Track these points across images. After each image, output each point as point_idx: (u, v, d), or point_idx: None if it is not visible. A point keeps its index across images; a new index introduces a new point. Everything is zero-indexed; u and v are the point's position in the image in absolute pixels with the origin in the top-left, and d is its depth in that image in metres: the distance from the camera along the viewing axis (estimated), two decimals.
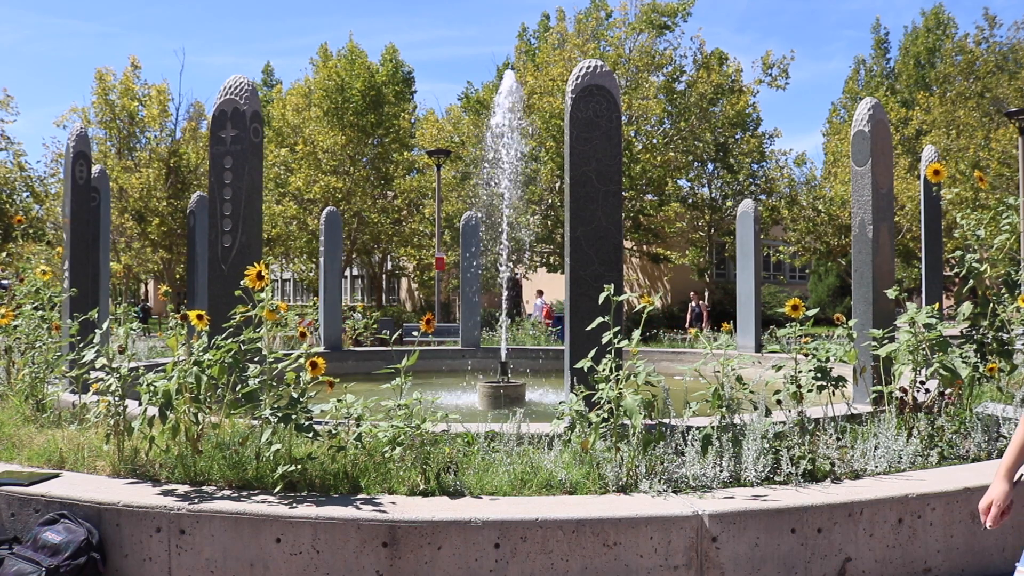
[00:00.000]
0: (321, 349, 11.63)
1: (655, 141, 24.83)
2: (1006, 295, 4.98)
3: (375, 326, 16.11)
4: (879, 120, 5.91)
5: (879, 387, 4.64)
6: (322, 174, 26.37)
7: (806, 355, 4.41)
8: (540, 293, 23.63)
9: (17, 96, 50.23)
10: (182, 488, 3.59)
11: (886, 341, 4.69)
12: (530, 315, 21.05)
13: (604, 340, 4.03)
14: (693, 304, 21.39)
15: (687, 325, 20.48)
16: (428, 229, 28.14)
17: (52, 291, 6.01)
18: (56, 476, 3.81)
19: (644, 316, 4.06)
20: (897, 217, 23.71)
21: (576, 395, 4.14)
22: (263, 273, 3.81)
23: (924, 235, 9.44)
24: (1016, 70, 26.47)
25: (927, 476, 3.78)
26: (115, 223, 25.12)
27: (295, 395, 3.73)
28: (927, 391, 4.46)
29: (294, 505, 3.31)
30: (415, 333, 15.31)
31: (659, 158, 24.27)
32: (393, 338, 6.23)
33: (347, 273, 35.35)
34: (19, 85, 76.65)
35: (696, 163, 26.57)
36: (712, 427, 3.87)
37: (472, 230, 13.23)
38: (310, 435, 3.68)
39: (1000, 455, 4.18)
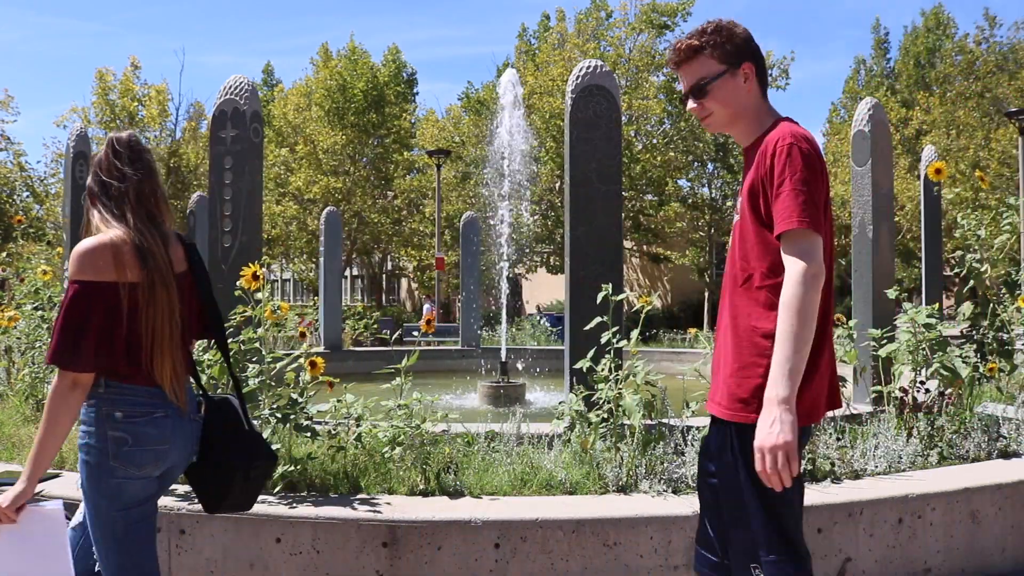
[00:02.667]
0: (321, 349, 11.63)
1: (655, 141, 24.83)
2: (1006, 295, 4.98)
3: (375, 326, 16.10)
4: (879, 120, 5.91)
5: (879, 387, 4.64)
6: (322, 174, 26.37)
7: None
8: (428, 297, 23.60)
9: (17, 96, 50.19)
10: (182, 488, 3.58)
11: (886, 341, 4.69)
12: (532, 315, 21.01)
13: (603, 340, 4.03)
14: None
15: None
16: (428, 229, 28.13)
17: (52, 291, 6.01)
18: (56, 476, 3.80)
19: (643, 316, 4.06)
20: (897, 217, 23.71)
21: (576, 395, 4.14)
22: (259, 274, 3.81)
23: (924, 235, 9.44)
24: (1016, 70, 26.46)
25: (927, 476, 3.78)
26: None
27: (294, 395, 3.73)
28: (927, 391, 4.46)
29: (294, 505, 3.31)
30: (415, 333, 15.28)
31: (659, 158, 24.27)
32: (393, 338, 6.24)
33: (347, 273, 35.35)
34: (18, 85, 76.71)
35: (696, 163, 26.55)
36: None
37: (472, 230, 13.22)
38: (310, 435, 3.68)
39: (1001, 455, 4.18)
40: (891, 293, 5.32)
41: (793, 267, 1.84)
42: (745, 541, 1.96)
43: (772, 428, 1.78)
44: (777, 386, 1.80)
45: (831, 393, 2.06)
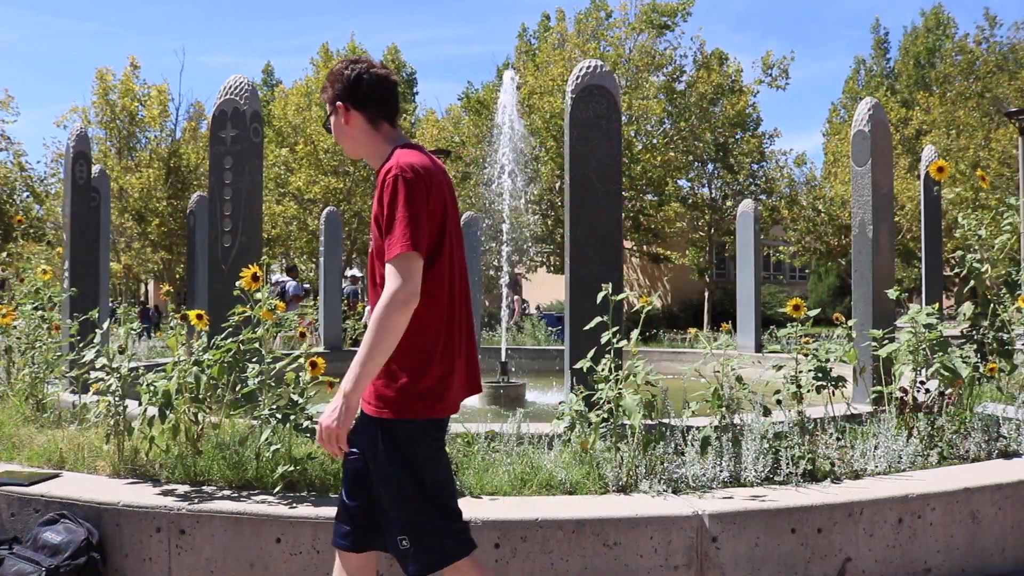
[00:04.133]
0: (321, 349, 11.63)
1: (655, 141, 24.82)
2: (1006, 295, 4.98)
3: None
4: (879, 120, 5.91)
5: (879, 387, 4.63)
6: (322, 174, 26.36)
7: (806, 355, 4.41)
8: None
9: (17, 96, 50.14)
10: (182, 488, 3.59)
11: (886, 341, 4.69)
12: (532, 314, 20.91)
13: (603, 340, 4.03)
14: (509, 301, 19.57)
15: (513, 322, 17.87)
16: None
17: (52, 291, 6.01)
18: (56, 476, 3.81)
19: (643, 316, 4.06)
20: (897, 217, 23.71)
21: (576, 395, 4.14)
22: (259, 275, 3.81)
23: (924, 235, 9.44)
24: (1016, 70, 26.46)
25: (927, 476, 3.78)
26: (115, 223, 25.10)
27: (294, 395, 3.73)
28: (927, 391, 4.45)
29: (294, 505, 3.31)
30: None
31: (659, 158, 24.26)
32: None
33: (347, 273, 35.32)
34: (18, 85, 76.51)
35: (696, 163, 26.54)
36: (712, 427, 3.87)
37: (472, 230, 13.20)
38: (310, 435, 3.68)
39: (1001, 455, 4.18)
40: (892, 293, 5.32)
41: (387, 288, 2.08)
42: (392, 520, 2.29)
43: (332, 413, 2.12)
44: (347, 381, 2.11)
45: (468, 386, 2.38)
